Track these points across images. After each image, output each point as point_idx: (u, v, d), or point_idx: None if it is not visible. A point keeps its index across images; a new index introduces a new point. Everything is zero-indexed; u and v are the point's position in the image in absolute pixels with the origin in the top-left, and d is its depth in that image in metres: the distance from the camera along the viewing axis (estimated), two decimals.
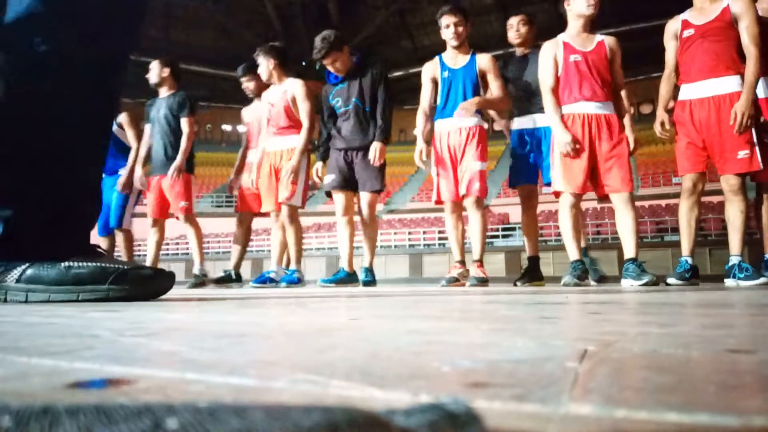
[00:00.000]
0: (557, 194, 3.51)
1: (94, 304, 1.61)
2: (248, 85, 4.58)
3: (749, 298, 1.58)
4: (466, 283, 3.79)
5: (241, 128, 4.68)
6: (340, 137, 4.01)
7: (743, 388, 0.33)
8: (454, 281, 3.84)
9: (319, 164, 4.26)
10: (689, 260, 3.29)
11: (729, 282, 3.21)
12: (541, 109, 3.70)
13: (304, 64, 29.70)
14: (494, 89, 3.83)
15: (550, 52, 3.47)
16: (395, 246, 17.84)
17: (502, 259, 15.92)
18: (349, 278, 4.09)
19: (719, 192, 3.30)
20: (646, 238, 15.24)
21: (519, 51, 4.05)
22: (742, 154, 3.04)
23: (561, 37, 3.48)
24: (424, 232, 17.80)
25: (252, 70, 4.42)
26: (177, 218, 4.51)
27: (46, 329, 0.83)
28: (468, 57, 3.88)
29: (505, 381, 0.35)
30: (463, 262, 3.93)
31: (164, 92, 4.60)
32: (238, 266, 4.70)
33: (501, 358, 0.45)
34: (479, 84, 3.88)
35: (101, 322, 0.97)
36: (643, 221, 15.31)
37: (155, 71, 4.59)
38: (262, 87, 4.51)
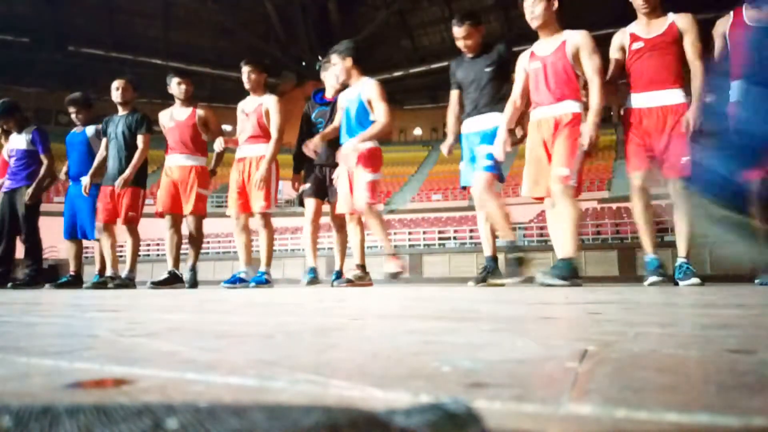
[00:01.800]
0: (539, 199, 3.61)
1: (94, 303, 1.61)
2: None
3: (749, 299, 1.58)
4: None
5: (225, 127, 4.69)
6: (316, 155, 4.23)
7: (743, 388, 0.33)
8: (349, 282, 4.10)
9: (294, 177, 4.56)
10: (657, 257, 3.36)
11: (682, 282, 3.31)
12: (473, 113, 3.83)
13: (304, 63, 29.59)
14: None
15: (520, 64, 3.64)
16: (395, 246, 17.88)
17: (502, 259, 15.94)
18: (316, 278, 4.40)
19: None
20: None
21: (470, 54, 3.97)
22: (686, 159, 3.19)
23: (532, 47, 3.58)
24: (424, 232, 17.80)
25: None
26: (122, 224, 4.75)
27: (46, 329, 0.83)
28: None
29: (505, 381, 0.35)
30: (362, 266, 4.15)
31: (122, 110, 4.88)
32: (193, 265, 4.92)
33: (501, 358, 0.45)
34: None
35: (101, 322, 0.97)
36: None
37: (119, 92, 4.82)
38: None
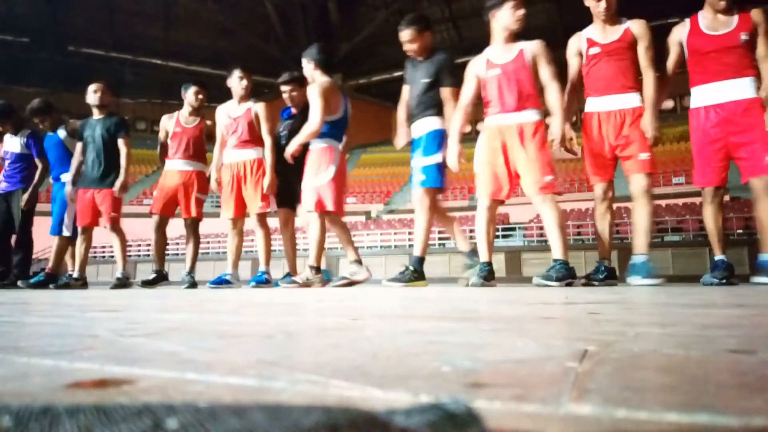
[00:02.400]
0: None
1: (94, 303, 1.61)
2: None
3: (750, 299, 1.58)
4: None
5: None
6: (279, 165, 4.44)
7: (743, 388, 0.33)
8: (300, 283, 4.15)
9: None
10: (605, 263, 3.52)
11: (635, 280, 3.35)
12: (412, 119, 3.91)
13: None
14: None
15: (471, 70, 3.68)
16: (395, 246, 17.84)
17: (502, 259, 15.93)
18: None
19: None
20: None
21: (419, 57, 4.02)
22: (644, 156, 3.32)
23: (485, 53, 3.63)
24: None
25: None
26: (104, 227, 4.84)
27: (46, 329, 0.83)
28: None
29: (505, 381, 0.35)
30: (317, 268, 4.17)
31: (98, 113, 4.91)
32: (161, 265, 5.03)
33: (501, 358, 0.45)
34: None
35: (101, 322, 0.97)
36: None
37: (96, 96, 4.86)
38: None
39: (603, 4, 3.37)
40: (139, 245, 19.25)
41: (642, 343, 0.56)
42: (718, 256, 3.32)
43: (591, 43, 3.47)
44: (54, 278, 4.93)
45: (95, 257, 18.34)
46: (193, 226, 4.80)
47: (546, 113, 3.47)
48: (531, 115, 3.43)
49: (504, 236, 17.60)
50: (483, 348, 0.53)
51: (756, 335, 0.64)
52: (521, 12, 3.47)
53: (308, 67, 4.19)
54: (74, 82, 30.58)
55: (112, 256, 19.57)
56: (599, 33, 3.46)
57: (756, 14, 3.20)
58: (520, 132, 3.42)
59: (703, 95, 3.30)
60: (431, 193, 3.74)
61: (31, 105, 5.18)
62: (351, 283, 4.04)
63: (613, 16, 3.42)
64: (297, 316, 1.10)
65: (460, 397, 0.29)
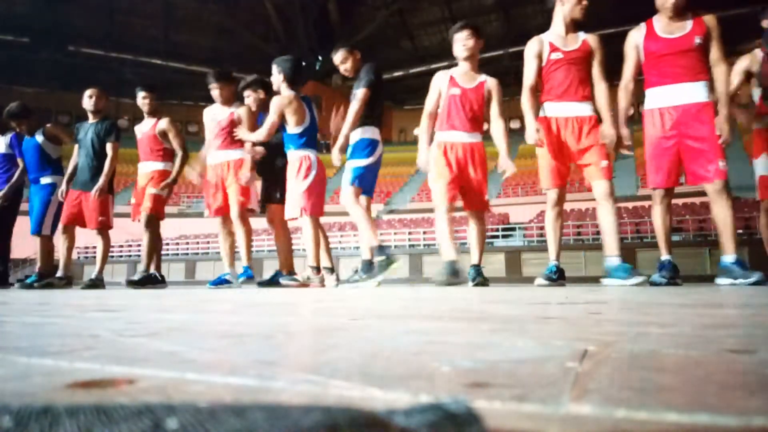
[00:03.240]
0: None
1: (94, 304, 1.62)
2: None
3: (750, 299, 1.58)
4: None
5: None
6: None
7: (743, 388, 0.33)
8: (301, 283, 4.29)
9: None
10: (556, 264, 3.62)
11: (606, 281, 3.50)
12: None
13: (304, 64, 29.56)
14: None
15: (435, 83, 3.91)
16: (395, 246, 17.85)
17: (502, 259, 15.93)
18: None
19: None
20: (646, 238, 15.23)
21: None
22: (604, 163, 3.45)
23: (451, 71, 3.88)
24: (424, 233, 17.80)
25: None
26: (92, 229, 4.96)
27: (46, 329, 0.83)
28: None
29: (505, 381, 0.35)
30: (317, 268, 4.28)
31: (92, 117, 5.06)
32: (157, 267, 5.06)
33: (501, 358, 0.45)
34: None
35: (101, 322, 0.97)
36: (643, 221, 15.33)
37: (92, 101, 5.01)
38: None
39: (579, 7, 3.51)
40: (139, 245, 19.27)
41: (642, 343, 0.56)
42: (664, 257, 3.41)
43: (553, 48, 3.57)
44: (46, 277, 5.03)
45: (95, 257, 18.35)
46: (146, 221, 4.81)
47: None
48: (478, 137, 3.81)
49: (504, 236, 17.61)
50: (483, 348, 0.53)
51: (756, 335, 0.64)
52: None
53: (278, 76, 4.38)
54: (74, 82, 30.59)
55: (112, 256, 19.68)
56: (561, 40, 3.58)
57: (709, 19, 3.27)
58: (472, 152, 3.79)
59: (657, 97, 3.36)
60: (356, 192, 4.01)
61: (9, 108, 5.31)
62: (302, 285, 4.20)
63: (574, 25, 3.56)
64: (297, 316, 1.10)
65: (460, 397, 0.29)
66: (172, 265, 18.38)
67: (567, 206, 17.38)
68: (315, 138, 4.37)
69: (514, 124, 25.46)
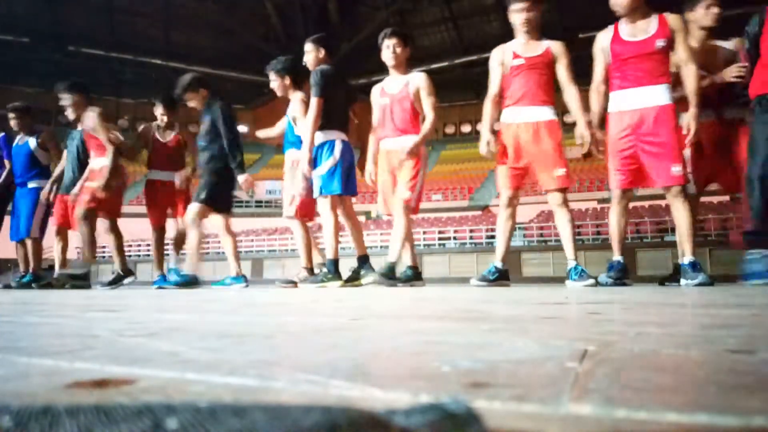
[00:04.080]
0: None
1: (94, 303, 1.61)
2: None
3: (750, 299, 1.58)
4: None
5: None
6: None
7: (743, 388, 0.33)
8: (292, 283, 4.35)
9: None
10: (498, 265, 3.68)
11: (568, 283, 3.53)
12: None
13: (304, 64, 29.43)
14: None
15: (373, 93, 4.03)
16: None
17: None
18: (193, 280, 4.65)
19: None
20: (646, 238, 15.24)
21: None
22: (559, 171, 3.48)
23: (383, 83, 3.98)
24: (424, 232, 17.80)
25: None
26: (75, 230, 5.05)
27: (46, 329, 0.83)
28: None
29: (505, 381, 0.35)
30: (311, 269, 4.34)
31: (79, 126, 5.16)
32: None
33: (501, 358, 0.45)
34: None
35: (101, 322, 0.97)
36: (643, 221, 15.33)
37: (80, 107, 5.09)
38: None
39: (524, 16, 3.58)
40: (139, 245, 19.26)
41: (642, 343, 0.56)
42: (616, 257, 3.45)
43: (516, 55, 3.64)
44: (39, 277, 5.19)
45: (103, 257, 18.35)
46: (81, 215, 4.85)
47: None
48: (411, 139, 3.83)
49: None
50: (483, 348, 0.53)
51: (756, 335, 0.64)
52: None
53: (282, 81, 4.36)
54: None
55: (111, 256, 19.62)
56: (522, 47, 3.64)
57: (673, 21, 3.29)
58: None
59: (619, 100, 3.39)
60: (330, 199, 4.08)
61: (15, 105, 5.45)
62: (295, 285, 4.25)
63: (534, 32, 3.62)
64: (297, 316, 1.10)
65: (460, 397, 0.29)
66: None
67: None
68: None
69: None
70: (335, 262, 4.04)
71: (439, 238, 17.21)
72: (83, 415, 0.21)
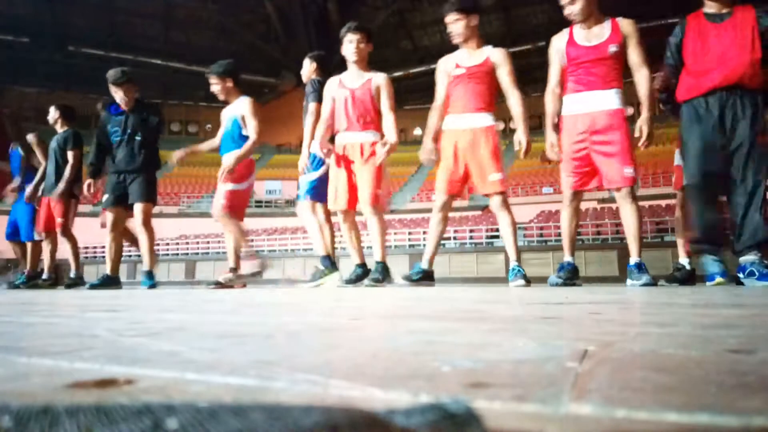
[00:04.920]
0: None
1: (94, 304, 1.61)
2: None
3: (750, 299, 1.58)
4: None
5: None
6: (113, 163, 4.66)
7: (743, 388, 0.33)
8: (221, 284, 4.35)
9: (90, 181, 4.84)
10: (425, 266, 3.75)
11: (511, 283, 3.62)
12: None
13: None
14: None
15: (327, 88, 4.02)
16: (395, 246, 17.83)
17: (502, 260, 15.92)
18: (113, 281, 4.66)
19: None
20: (646, 238, 15.26)
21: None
22: (495, 176, 3.56)
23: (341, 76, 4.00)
24: (424, 232, 17.81)
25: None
26: (56, 230, 5.22)
27: (46, 329, 0.83)
28: None
29: (505, 381, 0.35)
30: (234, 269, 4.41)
31: (59, 129, 5.39)
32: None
33: (501, 359, 0.45)
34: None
35: (101, 322, 0.97)
36: (643, 221, 15.37)
37: (51, 115, 5.38)
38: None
39: (456, 27, 3.68)
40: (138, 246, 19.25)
41: (642, 343, 0.56)
42: (567, 258, 3.52)
43: (457, 65, 3.72)
44: (32, 278, 5.37)
45: (95, 257, 18.37)
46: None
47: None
48: (370, 136, 3.87)
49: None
50: (483, 348, 0.53)
51: (756, 335, 0.64)
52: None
53: (224, 83, 4.40)
54: (74, 82, 30.60)
55: (180, 254, 19.66)
56: (465, 56, 3.73)
57: (626, 26, 3.34)
58: (361, 151, 3.88)
59: (572, 104, 3.44)
60: (312, 204, 4.17)
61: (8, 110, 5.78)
62: (223, 286, 4.29)
63: (473, 40, 3.70)
64: (297, 316, 1.10)
65: (460, 397, 0.29)
66: (172, 265, 18.36)
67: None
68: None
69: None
70: (329, 257, 4.10)
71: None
72: (83, 415, 0.21)
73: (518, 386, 0.33)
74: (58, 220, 5.09)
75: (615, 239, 14.55)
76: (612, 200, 19.02)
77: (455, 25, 3.68)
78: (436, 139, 3.79)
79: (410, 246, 17.68)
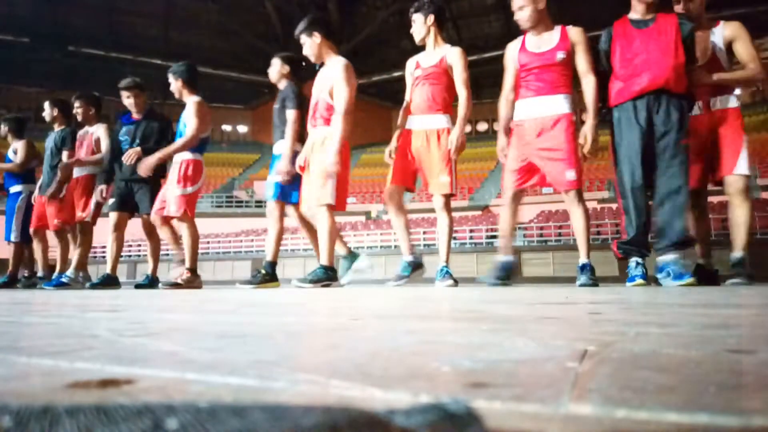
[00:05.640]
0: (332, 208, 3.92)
1: (94, 303, 1.61)
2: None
3: (750, 299, 1.58)
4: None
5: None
6: (120, 171, 4.68)
7: (743, 388, 0.33)
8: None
9: (102, 186, 4.85)
10: (409, 259, 3.83)
11: (440, 283, 3.72)
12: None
13: (304, 64, 29.56)
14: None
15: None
16: (395, 246, 17.85)
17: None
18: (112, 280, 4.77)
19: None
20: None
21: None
22: (444, 178, 3.65)
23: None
24: (424, 232, 17.80)
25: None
26: (52, 230, 5.23)
27: (46, 329, 0.83)
28: None
29: (505, 381, 0.35)
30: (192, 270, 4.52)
31: (56, 127, 5.36)
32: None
33: (501, 358, 0.45)
34: None
35: (101, 322, 0.97)
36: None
37: (47, 112, 5.35)
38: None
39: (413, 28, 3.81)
40: (139, 245, 19.27)
41: (642, 343, 0.56)
42: (505, 257, 3.57)
43: (417, 65, 3.82)
44: (17, 280, 5.43)
45: (95, 257, 18.37)
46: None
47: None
48: (324, 132, 3.75)
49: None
50: (483, 348, 0.53)
51: (756, 335, 0.64)
52: None
53: (176, 83, 4.47)
54: (74, 82, 30.53)
55: (104, 256, 19.68)
56: (424, 56, 3.81)
57: (574, 33, 3.40)
58: (312, 147, 3.88)
59: (522, 110, 3.50)
60: (278, 206, 4.16)
61: (9, 116, 5.78)
62: (178, 286, 4.40)
63: (435, 40, 3.76)
64: (297, 316, 1.10)
65: (460, 397, 0.29)
66: (172, 265, 18.31)
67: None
68: (206, 146, 4.57)
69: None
70: (273, 265, 4.15)
71: None
72: (83, 415, 0.21)
73: (518, 386, 0.33)
74: (55, 221, 5.07)
75: (615, 239, 14.53)
76: (612, 200, 19.07)
77: (414, 24, 3.76)
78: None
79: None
